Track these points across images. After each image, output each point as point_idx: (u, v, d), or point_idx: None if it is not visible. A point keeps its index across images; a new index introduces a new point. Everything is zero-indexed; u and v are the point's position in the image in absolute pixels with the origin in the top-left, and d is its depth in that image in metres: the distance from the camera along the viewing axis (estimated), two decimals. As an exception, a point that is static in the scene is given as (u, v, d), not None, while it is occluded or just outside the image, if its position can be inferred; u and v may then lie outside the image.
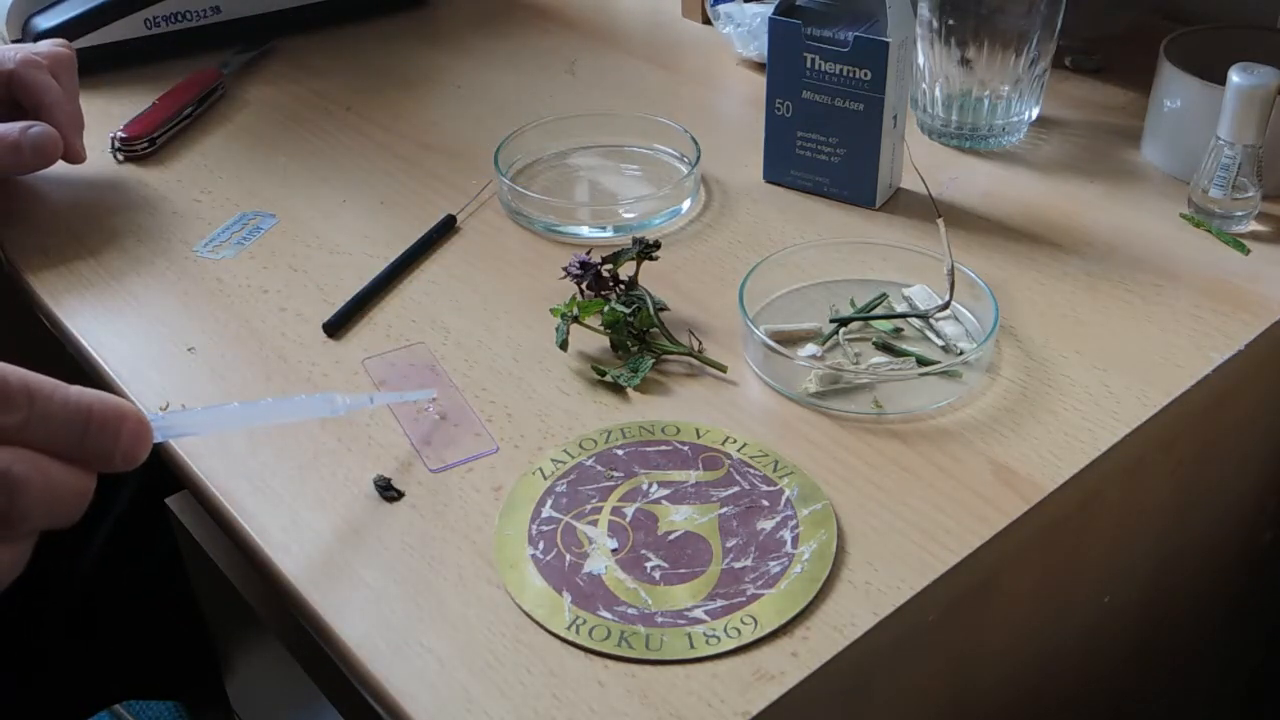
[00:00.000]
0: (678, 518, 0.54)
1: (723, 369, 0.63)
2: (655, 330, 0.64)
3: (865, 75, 0.71)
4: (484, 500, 0.56)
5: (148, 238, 0.76)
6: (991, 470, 0.56)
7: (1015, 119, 0.82)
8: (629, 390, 0.62)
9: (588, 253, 0.66)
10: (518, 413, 0.61)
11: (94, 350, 0.67)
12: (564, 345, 0.63)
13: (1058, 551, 0.61)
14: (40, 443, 0.43)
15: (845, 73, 0.72)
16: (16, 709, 0.84)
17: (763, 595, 0.50)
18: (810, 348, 0.63)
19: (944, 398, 0.60)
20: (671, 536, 0.53)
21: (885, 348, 0.64)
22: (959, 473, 0.56)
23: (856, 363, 0.63)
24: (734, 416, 0.60)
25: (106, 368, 0.65)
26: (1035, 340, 0.64)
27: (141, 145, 0.84)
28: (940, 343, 0.64)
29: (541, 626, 0.50)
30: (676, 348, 0.64)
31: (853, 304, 0.67)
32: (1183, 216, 0.74)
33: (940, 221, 0.67)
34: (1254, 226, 0.73)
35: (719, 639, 0.49)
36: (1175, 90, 0.76)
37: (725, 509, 0.54)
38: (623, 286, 0.66)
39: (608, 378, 0.62)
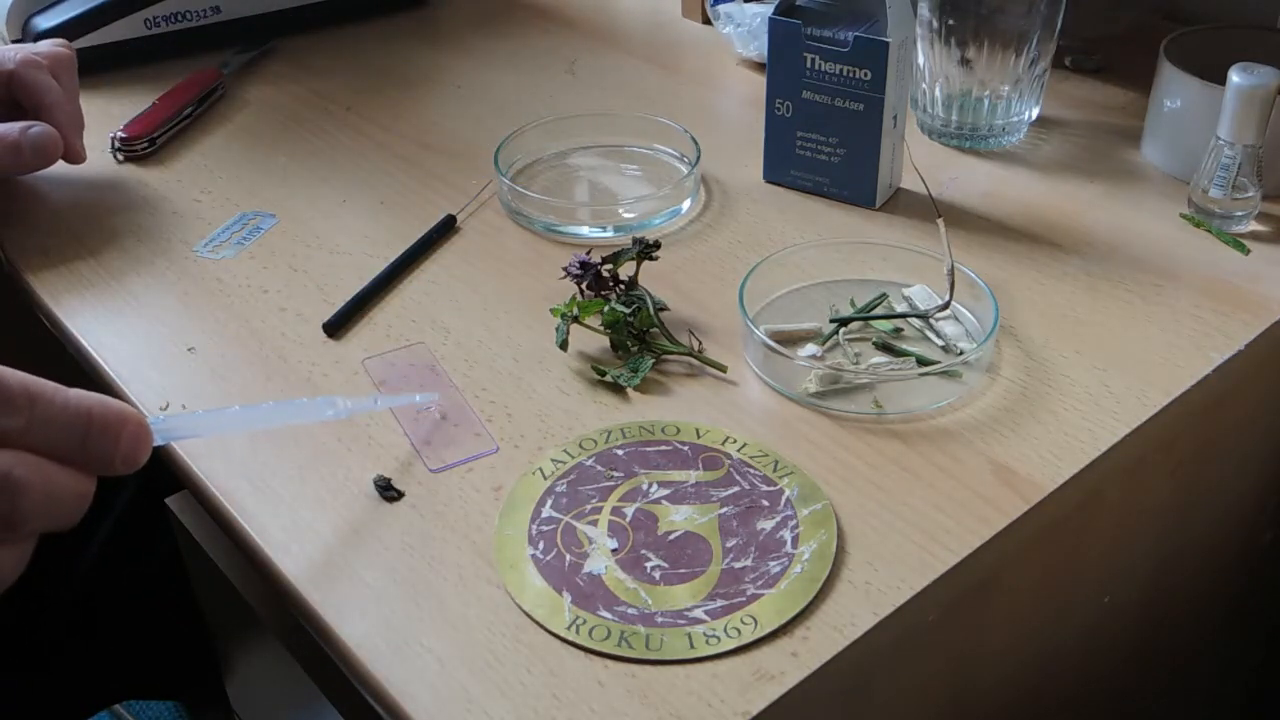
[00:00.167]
0: (678, 518, 0.54)
1: (723, 369, 0.63)
2: (655, 330, 0.64)
3: (865, 75, 0.71)
4: (484, 500, 0.56)
5: (148, 238, 0.76)
6: (991, 470, 0.56)
7: (1015, 119, 0.82)
8: (629, 390, 0.62)
9: (588, 253, 0.66)
10: (518, 413, 0.61)
11: (94, 350, 0.67)
12: (564, 345, 0.63)
13: (1058, 551, 0.61)
14: (41, 446, 0.43)
15: (845, 73, 0.72)
16: (16, 709, 0.84)
17: (763, 595, 0.50)
18: (810, 348, 0.63)
19: (944, 398, 0.60)
20: (671, 536, 0.53)
21: (885, 348, 0.64)
22: (959, 473, 0.56)
23: (856, 363, 0.63)
24: (734, 416, 0.60)
25: (106, 368, 0.65)
26: (1035, 340, 0.64)
27: (141, 145, 0.84)
28: (940, 343, 0.64)
29: (541, 626, 0.50)
30: (676, 348, 0.64)
31: (853, 304, 0.67)
32: (1183, 216, 0.74)
33: (940, 221, 0.67)
34: (1254, 226, 0.73)
35: (719, 639, 0.49)
36: (1175, 90, 0.76)
37: (725, 509, 0.54)
38: (623, 286, 0.66)
39: (608, 378, 0.62)
